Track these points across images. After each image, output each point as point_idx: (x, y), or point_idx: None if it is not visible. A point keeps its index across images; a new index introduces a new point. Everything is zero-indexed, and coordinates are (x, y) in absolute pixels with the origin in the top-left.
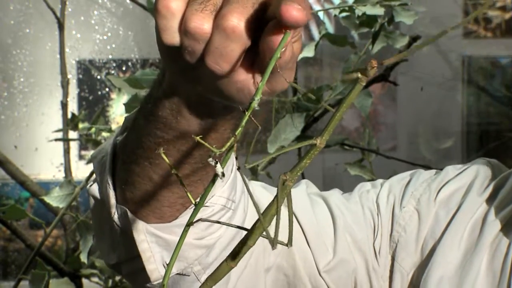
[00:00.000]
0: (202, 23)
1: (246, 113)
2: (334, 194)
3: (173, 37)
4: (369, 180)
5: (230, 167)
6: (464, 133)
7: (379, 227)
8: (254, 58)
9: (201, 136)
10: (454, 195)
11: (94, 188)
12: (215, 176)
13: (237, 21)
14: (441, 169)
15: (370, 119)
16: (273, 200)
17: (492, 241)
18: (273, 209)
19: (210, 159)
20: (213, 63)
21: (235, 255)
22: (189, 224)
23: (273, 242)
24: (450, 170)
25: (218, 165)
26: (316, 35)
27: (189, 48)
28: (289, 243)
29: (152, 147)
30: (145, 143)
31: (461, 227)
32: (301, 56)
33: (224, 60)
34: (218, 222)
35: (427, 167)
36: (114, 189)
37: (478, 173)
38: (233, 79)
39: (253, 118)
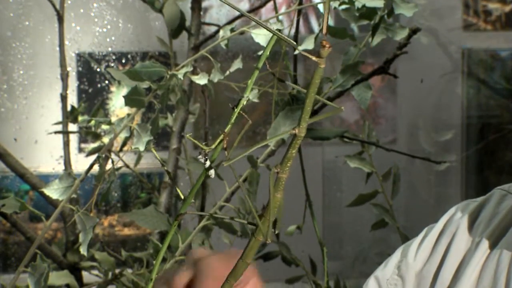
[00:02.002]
0: None
1: (235, 109)
2: None
3: None
4: (368, 173)
5: None
6: (464, 126)
7: None
8: None
9: (190, 134)
10: (431, 249)
11: None
12: (204, 171)
13: None
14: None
15: (369, 112)
16: (272, 194)
17: (479, 261)
18: (273, 201)
19: (200, 156)
20: None
21: (246, 251)
22: (179, 214)
23: (267, 235)
24: (426, 228)
25: (208, 162)
26: (316, 27)
27: None
28: (268, 237)
29: None
30: None
31: (449, 267)
32: (301, 48)
33: None
34: (208, 215)
35: (427, 160)
36: None
37: (454, 212)
38: None
39: (244, 113)
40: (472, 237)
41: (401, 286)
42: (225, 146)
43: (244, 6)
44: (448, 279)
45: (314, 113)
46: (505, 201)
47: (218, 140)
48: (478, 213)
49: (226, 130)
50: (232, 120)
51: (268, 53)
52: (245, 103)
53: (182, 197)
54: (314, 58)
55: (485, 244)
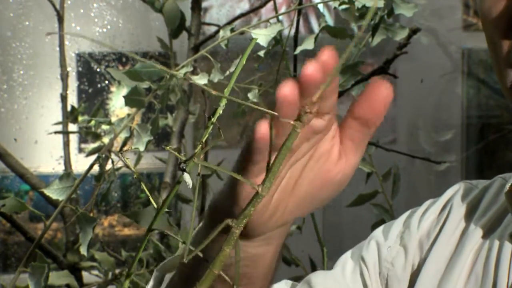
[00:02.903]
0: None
1: (212, 119)
2: (318, 275)
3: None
4: (368, 173)
5: None
6: (464, 126)
7: (369, 279)
8: None
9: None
10: (435, 219)
11: None
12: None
13: None
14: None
15: None
16: (222, 247)
17: (472, 248)
18: (221, 255)
19: (182, 165)
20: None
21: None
22: (151, 229)
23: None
24: (429, 201)
25: (186, 174)
26: (316, 27)
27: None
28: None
29: None
30: None
31: (444, 243)
32: (300, 48)
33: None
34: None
35: (427, 160)
36: None
37: (457, 191)
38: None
39: (218, 125)
40: (469, 222)
41: (403, 256)
42: (201, 156)
43: (244, 6)
44: (442, 261)
45: None
46: (503, 190)
47: (197, 150)
48: (479, 200)
49: (203, 140)
50: (209, 130)
51: (244, 61)
52: (221, 112)
53: (156, 206)
54: (292, 123)
55: (480, 232)
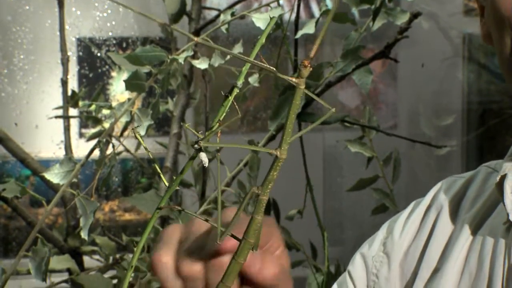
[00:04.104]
0: (193, 266)
1: (229, 97)
2: None
3: (174, 286)
4: (369, 158)
5: None
6: (465, 111)
7: None
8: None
9: (188, 124)
10: (420, 223)
11: None
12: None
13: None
14: (440, 146)
15: (370, 97)
16: (253, 216)
17: (463, 244)
18: (253, 224)
19: (196, 145)
20: None
21: (226, 274)
22: (159, 208)
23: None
24: (413, 203)
25: (203, 153)
26: (317, 12)
27: None
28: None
29: None
30: None
31: (436, 244)
32: (301, 33)
33: None
34: (192, 214)
35: (427, 144)
36: None
37: (440, 188)
38: None
39: (235, 104)
40: (458, 217)
41: (386, 264)
42: (219, 135)
43: None
44: (434, 260)
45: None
46: (490, 179)
47: (214, 129)
48: (465, 191)
49: (220, 118)
50: (227, 108)
51: (263, 40)
52: (238, 91)
53: (167, 184)
54: (293, 80)
55: (470, 225)
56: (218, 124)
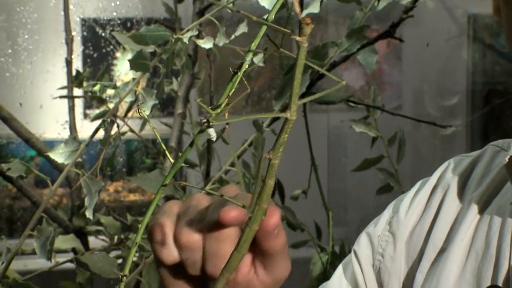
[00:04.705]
0: (192, 235)
1: (238, 73)
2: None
3: (171, 255)
4: (374, 138)
5: None
6: (470, 91)
7: (360, 274)
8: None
9: (200, 99)
10: (426, 203)
11: None
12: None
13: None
14: (445, 126)
15: (375, 78)
16: (263, 182)
17: (470, 224)
18: (267, 189)
19: (204, 120)
20: (213, 268)
21: (241, 243)
22: (164, 185)
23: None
24: (419, 182)
25: (212, 129)
26: None
27: (189, 260)
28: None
29: None
30: None
31: (443, 223)
32: (306, 12)
33: (222, 262)
34: (199, 188)
35: (432, 124)
36: None
37: (446, 167)
38: (236, 280)
39: (244, 80)
40: (465, 196)
41: (392, 243)
42: (227, 111)
43: None
44: (441, 239)
45: (319, 77)
46: (497, 158)
47: (224, 103)
48: (471, 170)
49: (230, 94)
50: (235, 84)
51: (273, 17)
52: (247, 66)
53: (172, 161)
54: (297, 38)
55: (477, 204)
56: (226, 99)
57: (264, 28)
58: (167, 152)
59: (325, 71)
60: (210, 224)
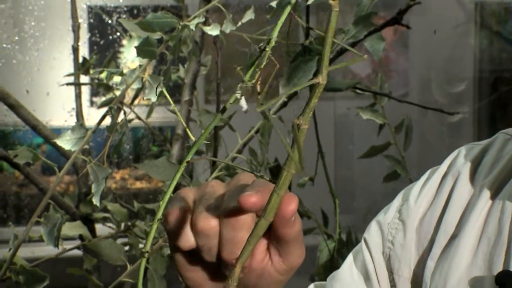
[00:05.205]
0: (209, 221)
1: (266, 49)
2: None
3: (187, 241)
4: (381, 125)
5: None
6: (476, 78)
7: (370, 263)
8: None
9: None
10: (436, 191)
11: None
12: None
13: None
14: (452, 113)
15: (381, 66)
16: (292, 146)
17: (482, 210)
18: (294, 156)
19: (239, 91)
20: (229, 254)
21: (267, 209)
22: (187, 161)
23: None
24: (429, 171)
25: (243, 98)
26: None
27: (205, 247)
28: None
29: None
30: None
31: (454, 210)
32: None
33: (238, 249)
34: (210, 159)
35: (439, 111)
36: None
37: (457, 155)
38: (251, 266)
39: (272, 57)
40: (476, 182)
41: (402, 231)
42: (258, 86)
43: None
44: (452, 225)
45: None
46: (508, 146)
47: (257, 77)
48: (482, 157)
49: (261, 66)
50: (265, 61)
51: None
52: (274, 43)
53: (193, 138)
54: (330, 1)
55: (488, 191)
56: (258, 72)
57: (288, 9)
58: (188, 131)
59: (347, 46)
60: (227, 210)
